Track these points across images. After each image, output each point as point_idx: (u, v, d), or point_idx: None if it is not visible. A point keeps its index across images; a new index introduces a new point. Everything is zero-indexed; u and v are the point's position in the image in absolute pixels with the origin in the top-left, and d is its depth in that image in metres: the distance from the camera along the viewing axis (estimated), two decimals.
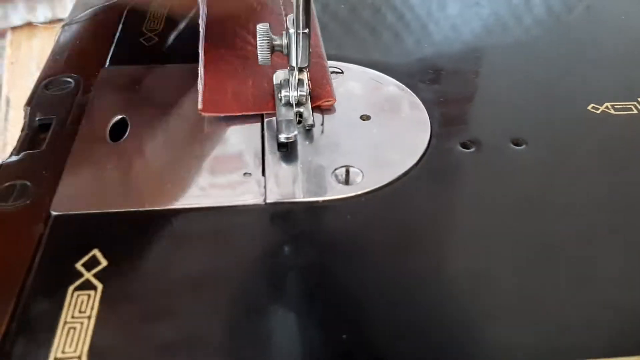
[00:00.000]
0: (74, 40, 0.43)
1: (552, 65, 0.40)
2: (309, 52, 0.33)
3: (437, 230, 0.30)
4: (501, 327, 0.25)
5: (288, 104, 0.35)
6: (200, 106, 0.34)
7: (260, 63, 0.33)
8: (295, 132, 0.33)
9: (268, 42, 0.33)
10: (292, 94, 0.34)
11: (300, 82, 0.34)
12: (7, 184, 0.31)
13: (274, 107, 0.35)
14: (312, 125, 0.34)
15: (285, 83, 0.35)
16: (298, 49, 0.33)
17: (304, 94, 0.34)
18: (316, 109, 0.36)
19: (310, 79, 0.36)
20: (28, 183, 0.31)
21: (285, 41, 0.33)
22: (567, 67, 0.40)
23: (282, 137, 0.33)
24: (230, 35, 0.38)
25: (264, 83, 0.36)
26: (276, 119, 0.34)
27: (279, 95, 0.35)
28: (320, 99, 0.35)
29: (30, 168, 0.32)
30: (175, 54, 0.41)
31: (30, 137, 0.35)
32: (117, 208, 0.30)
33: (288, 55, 0.34)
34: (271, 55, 0.33)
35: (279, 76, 0.37)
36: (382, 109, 0.36)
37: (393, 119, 0.36)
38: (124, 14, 0.45)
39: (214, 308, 0.26)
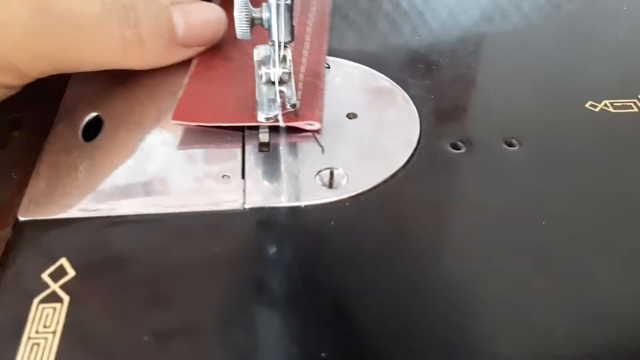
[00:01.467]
0: None
1: (549, 59, 0.39)
2: (293, 26, 0.31)
3: (424, 235, 0.28)
4: (491, 331, 0.24)
5: (269, 82, 0.32)
6: (172, 114, 0.32)
7: (238, 37, 0.31)
8: (276, 112, 0.31)
9: (247, 15, 0.31)
10: (274, 71, 0.32)
11: (283, 58, 0.32)
12: None
13: (254, 119, 0.32)
14: (295, 105, 0.32)
15: (267, 59, 0.33)
16: (280, 21, 0.31)
17: (287, 71, 0.32)
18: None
19: (300, 97, 0.34)
20: None
21: (266, 14, 0.31)
22: (564, 61, 0.38)
23: (262, 117, 0.31)
24: (230, 44, 0.36)
25: (249, 97, 0.33)
26: (256, 98, 0.32)
27: (259, 72, 0.33)
28: (305, 119, 0.32)
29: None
30: None
31: (0, 135, 0.33)
32: (88, 213, 0.28)
33: (269, 29, 0.31)
34: (251, 29, 0.31)
35: (260, 52, 0.34)
36: (369, 106, 0.35)
37: (381, 117, 0.34)
38: None
39: (187, 323, 0.24)
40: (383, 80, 0.36)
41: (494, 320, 0.25)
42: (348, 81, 0.36)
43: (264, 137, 0.32)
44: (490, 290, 0.26)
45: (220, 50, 0.36)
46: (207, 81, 0.34)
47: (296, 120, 0.32)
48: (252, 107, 0.32)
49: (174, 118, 0.32)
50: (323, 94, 0.35)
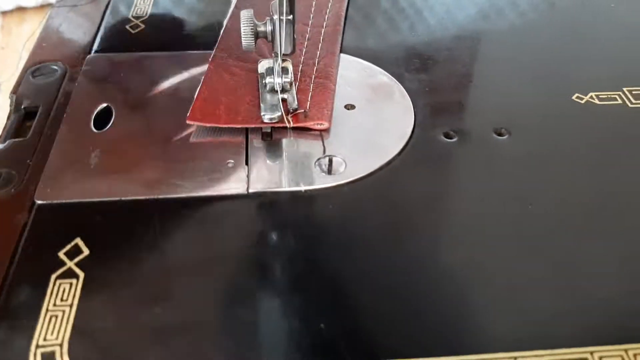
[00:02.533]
0: (60, 26, 0.43)
1: (538, 54, 0.40)
2: (294, 38, 0.33)
3: (419, 220, 0.30)
4: (488, 315, 0.26)
5: (272, 91, 0.35)
6: (188, 114, 0.34)
7: (244, 49, 0.33)
8: (279, 113, 0.33)
9: (252, 29, 0.33)
10: (277, 80, 0.34)
11: (284, 69, 0.35)
12: None
13: (262, 122, 0.33)
14: (296, 109, 0.34)
15: (270, 70, 0.35)
16: (282, 35, 0.33)
17: (288, 80, 0.34)
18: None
19: (310, 97, 0.35)
20: (13, 172, 0.32)
21: (269, 27, 0.33)
22: (553, 55, 0.40)
23: (267, 118, 0.33)
24: (240, 52, 0.37)
25: (256, 100, 0.35)
26: (260, 104, 0.34)
27: (264, 82, 0.35)
28: (314, 120, 0.34)
29: (15, 156, 0.33)
30: (160, 42, 0.41)
31: (16, 125, 0.35)
32: (99, 197, 0.30)
33: (272, 41, 0.34)
34: (255, 42, 0.33)
35: (263, 65, 0.37)
36: (367, 98, 0.36)
37: (377, 108, 0.36)
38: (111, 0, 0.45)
39: (195, 297, 0.26)
40: (380, 74, 0.38)
41: (486, 300, 0.26)
42: (347, 74, 0.38)
43: (266, 128, 0.34)
44: (482, 271, 0.27)
45: (237, 49, 0.38)
46: (221, 83, 0.36)
47: (306, 121, 0.34)
48: (259, 110, 0.34)
49: (189, 119, 0.33)
50: (334, 95, 0.36)
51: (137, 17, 0.43)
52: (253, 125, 0.34)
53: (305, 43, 0.39)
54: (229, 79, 0.36)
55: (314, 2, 0.43)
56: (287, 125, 0.33)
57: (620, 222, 0.30)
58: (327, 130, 0.34)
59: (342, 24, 0.42)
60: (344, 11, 0.43)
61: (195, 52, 0.39)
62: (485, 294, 0.27)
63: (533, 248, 0.28)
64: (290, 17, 0.32)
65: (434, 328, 0.25)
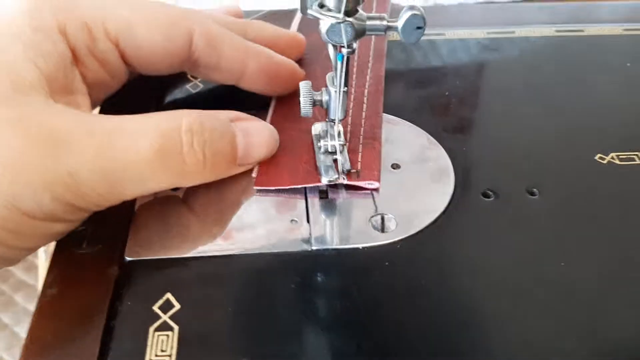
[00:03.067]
0: None
1: (558, 113, 0.44)
2: (346, 106, 0.38)
3: (465, 274, 0.34)
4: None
5: (327, 152, 0.39)
6: (254, 180, 0.37)
7: (302, 115, 0.37)
8: (336, 176, 0.37)
9: (310, 98, 0.37)
10: (331, 143, 0.38)
11: (338, 133, 0.39)
12: (78, 229, 0.35)
13: (320, 180, 0.37)
14: (350, 170, 0.38)
15: (324, 134, 0.39)
16: (337, 105, 0.37)
17: (342, 143, 0.38)
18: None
19: (361, 158, 0.39)
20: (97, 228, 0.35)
21: (325, 97, 0.37)
22: (572, 115, 0.44)
23: (325, 180, 0.37)
24: (299, 105, 0.38)
25: (312, 161, 0.38)
26: (316, 164, 0.38)
27: (318, 144, 0.39)
28: (365, 180, 0.37)
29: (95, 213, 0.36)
30: (219, 102, 0.44)
31: None
32: (181, 254, 0.34)
33: (327, 109, 0.38)
34: (312, 109, 0.37)
35: (317, 128, 0.41)
36: (410, 158, 0.40)
37: (420, 168, 0.40)
38: None
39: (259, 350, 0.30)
40: (419, 134, 0.42)
41: (521, 349, 0.30)
42: (389, 134, 0.42)
43: (321, 186, 0.38)
44: (516, 321, 0.31)
45: (292, 110, 0.41)
46: (280, 146, 0.39)
47: (358, 180, 0.38)
48: (316, 170, 0.38)
49: (256, 184, 0.37)
50: (380, 155, 0.40)
51: (195, 77, 0.47)
52: (312, 185, 0.37)
53: (351, 104, 0.43)
54: (286, 140, 0.40)
55: (355, 63, 0.47)
56: (342, 182, 0.37)
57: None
58: (377, 189, 0.38)
59: (383, 83, 0.46)
60: (383, 71, 0.47)
61: None
62: (522, 338, 0.30)
63: (563, 298, 0.32)
64: (345, 89, 0.36)
65: None
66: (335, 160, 0.38)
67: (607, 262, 0.34)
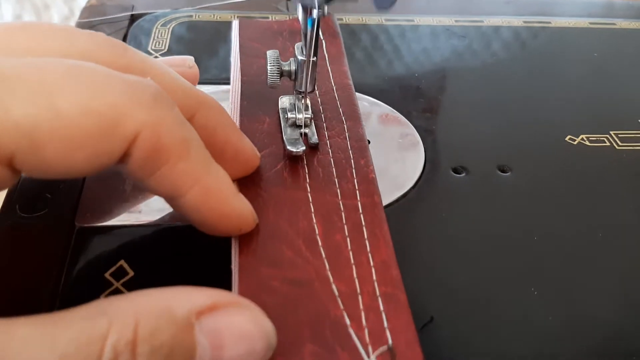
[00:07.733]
0: None
1: (530, 98, 0.44)
2: (315, 79, 0.36)
3: (431, 249, 0.33)
4: (490, 336, 0.28)
5: (294, 125, 0.37)
6: None
7: (269, 85, 0.36)
8: (303, 148, 0.36)
9: (278, 68, 0.35)
10: (299, 116, 0.37)
11: (305, 106, 0.37)
12: (28, 196, 0.33)
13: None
14: (316, 143, 0.37)
15: (292, 107, 0.37)
16: (306, 75, 0.35)
17: (309, 116, 0.37)
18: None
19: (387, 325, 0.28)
20: (48, 195, 0.33)
21: (293, 67, 0.36)
22: (545, 100, 0.44)
23: (293, 150, 0.35)
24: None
25: None
26: (282, 137, 0.36)
27: (286, 116, 0.37)
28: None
29: (48, 180, 0.34)
30: None
31: None
32: (135, 221, 0.32)
33: (295, 80, 0.36)
34: (280, 80, 0.36)
35: (284, 101, 0.39)
36: (379, 134, 0.39)
37: (390, 144, 0.39)
38: (128, 32, 0.47)
39: None
40: (388, 111, 0.41)
41: (492, 320, 0.29)
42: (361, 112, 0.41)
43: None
44: (489, 293, 0.30)
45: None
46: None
47: None
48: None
49: None
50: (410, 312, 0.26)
51: (156, 50, 0.45)
52: None
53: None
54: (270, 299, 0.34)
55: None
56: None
57: (607, 249, 0.33)
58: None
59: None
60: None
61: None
62: (494, 311, 0.29)
63: (536, 271, 0.31)
64: (315, 58, 0.35)
65: (446, 342, 0.28)
66: (302, 135, 0.37)
67: (575, 237, 0.34)
